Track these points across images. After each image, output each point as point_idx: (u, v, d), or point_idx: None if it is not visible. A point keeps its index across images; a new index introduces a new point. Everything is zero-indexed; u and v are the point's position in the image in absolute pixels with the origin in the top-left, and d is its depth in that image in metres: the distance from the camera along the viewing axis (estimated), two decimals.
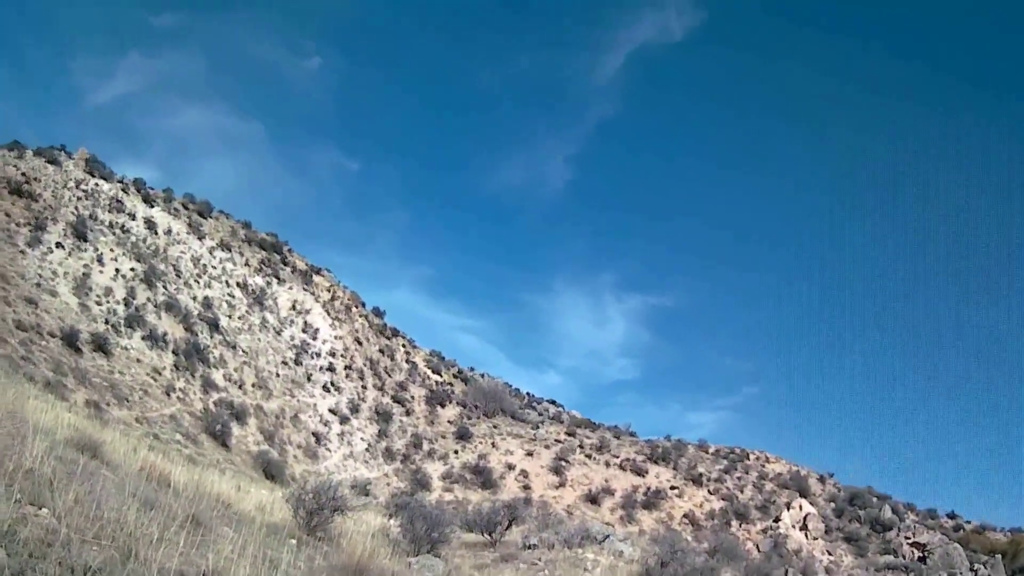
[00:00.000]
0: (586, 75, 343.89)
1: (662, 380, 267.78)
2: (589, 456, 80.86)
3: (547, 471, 75.94)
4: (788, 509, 64.78)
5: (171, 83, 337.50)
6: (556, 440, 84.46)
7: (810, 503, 68.82)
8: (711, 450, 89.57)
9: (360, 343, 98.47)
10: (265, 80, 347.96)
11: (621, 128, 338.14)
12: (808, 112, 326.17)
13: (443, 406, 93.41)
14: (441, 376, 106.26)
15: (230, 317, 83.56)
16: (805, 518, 63.54)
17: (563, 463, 77.39)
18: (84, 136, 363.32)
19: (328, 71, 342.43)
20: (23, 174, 78.02)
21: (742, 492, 76.21)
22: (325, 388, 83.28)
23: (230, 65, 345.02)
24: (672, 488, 74.98)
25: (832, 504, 76.27)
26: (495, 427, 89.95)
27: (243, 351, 77.88)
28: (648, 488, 74.51)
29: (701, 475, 78.61)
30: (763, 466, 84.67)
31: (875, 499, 77.03)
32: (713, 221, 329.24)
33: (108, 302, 68.66)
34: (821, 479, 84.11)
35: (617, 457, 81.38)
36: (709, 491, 75.52)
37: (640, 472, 77.14)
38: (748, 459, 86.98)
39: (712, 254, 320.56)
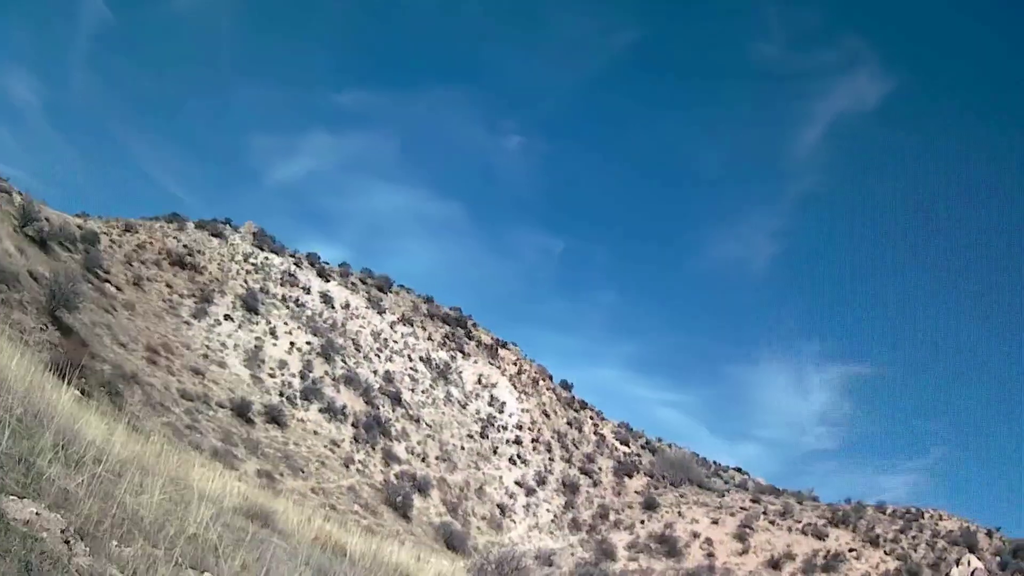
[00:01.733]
0: (788, 148, 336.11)
1: (856, 447, 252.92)
2: (772, 522, 78.34)
3: (731, 538, 73.71)
4: (957, 565, 60.48)
5: (360, 162, 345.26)
6: (741, 507, 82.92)
7: (978, 558, 64.71)
8: (888, 511, 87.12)
9: (547, 416, 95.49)
10: (462, 159, 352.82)
11: (823, 199, 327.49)
12: (1010, 178, 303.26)
13: (630, 476, 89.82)
14: (629, 447, 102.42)
15: (413, 391, 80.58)
16: (972, 573, 58.42)
17: (747, 530, 75.35)
18: (263, 214, 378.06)
19: (529, 150, 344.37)
20: (185, 246, 74.91)
21: (915, 551, 73.70)
22: (511, 461, 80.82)
23: (424, 144, 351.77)
24: (851, 551, 72.36)
25: (998, 557, 72.61)
26: (681, 496, 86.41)
27: (427, 424, 75.82)
28: (828, 552, 72.17)
29: (878, 536, 75.75)
30: (936, 524, 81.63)
31: None
32: (914, 289, 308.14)
33: (283, 375, 64.49)
34: (988, 533, 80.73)
35: (799, 522, 78.62)
36: (885, 552, 72.87)
37: (821, 536, 74.66)
38: (923, 518, 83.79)
39: (911, 321, 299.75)
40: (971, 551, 69.00)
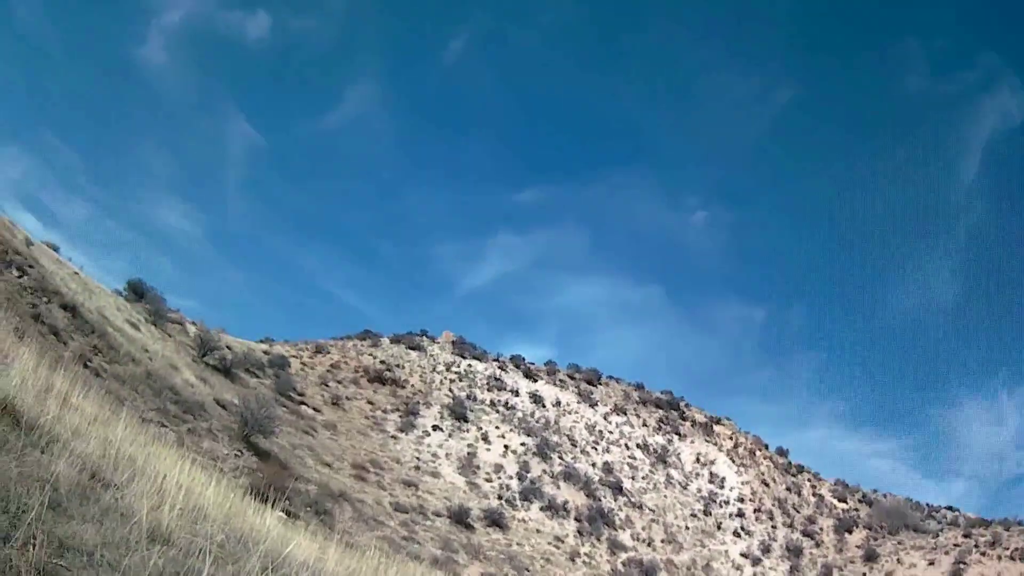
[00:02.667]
0: (949, 180, 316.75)
1: None
2: (984, 553, 74.91)
3: (946, 575, 71.40)
4: None
5: (549, 258, 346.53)
6: (954, 544, 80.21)
7: None
8: None
9: (767, 484, 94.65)
10: (650, 241, 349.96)
11: (992, 223, 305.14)
12: None
13: (850, 532, 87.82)
14: (847, 503, 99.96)
15: (633, 479, 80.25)
16: None
17: (961, 565, 72.89)
18: (457, 322, 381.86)
19: (714, 222, 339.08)
20: (382, 362, 75.40)
21: None
22: (735, 534, 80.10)
23: (610, 231, 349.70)
24: None
25: None
26: (899, 543, 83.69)
27: (649, 509, 75.31)
28: None
29: None
30: None
31: None
32: None
33: (499, 478, 63.44)
34: None
35: (1007, 549, 74.76)
36: None
37: None
38: None
39: None
40: None
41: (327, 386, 62.44)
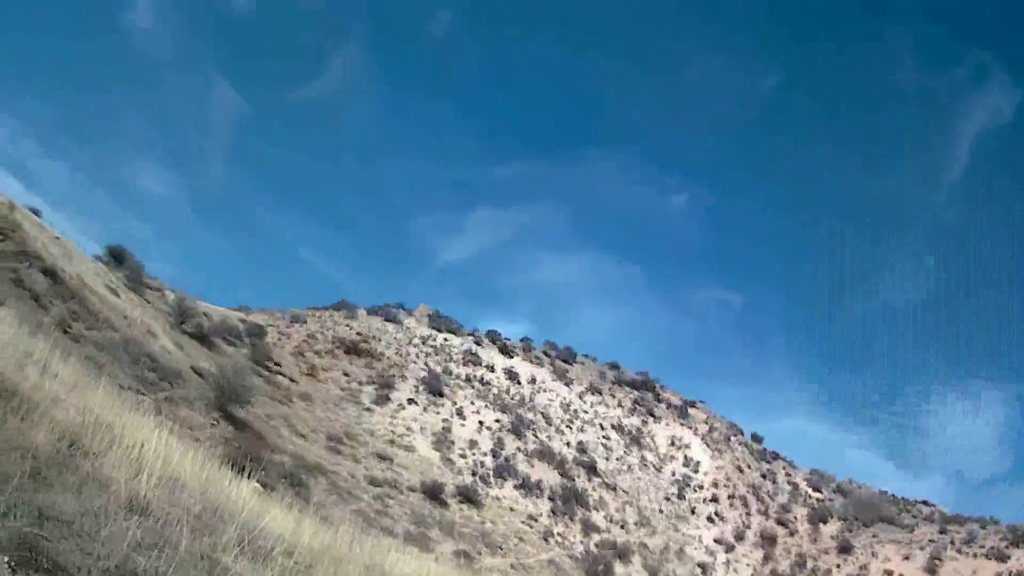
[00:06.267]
0: (936, 172, 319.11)
1: None
2: (959, 550, 76.42)
3: (921, 571, 72.37)
4: None
5: (529, 234, 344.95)
6: (929, 540, 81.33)
7: None
8: None
9: (741, 470, 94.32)
10: (630, 221, 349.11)
11: (978, 216, 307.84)
12: None
13: (824, 522, 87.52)
14: (822, 492, 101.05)
15: (607, 459, 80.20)
16: None
17: (936, 561, 73.91)
18: (434, 296, 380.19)
19: (696, 204, 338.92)
20: (359, 334, 75.02)
21: None
22: (709, 519, 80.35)
23: (589, 209, 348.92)
24: None
25: None
26: (874, 536, 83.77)
27: (623, 491, 75.25)
28: (1011, 572, 69.76)
29: None
30: None
31: None
32: None
33: (474, 454, 63.49)
34: None
35: (983, 547, 76.02)
36: None
37: (1003, 558, 71.93)
38: None
39: None
40: None
41: (303, 356, 62.29)
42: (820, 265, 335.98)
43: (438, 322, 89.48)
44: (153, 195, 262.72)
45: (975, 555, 76.02)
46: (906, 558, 76.84)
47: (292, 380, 53.14)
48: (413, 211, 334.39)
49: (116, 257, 45.33)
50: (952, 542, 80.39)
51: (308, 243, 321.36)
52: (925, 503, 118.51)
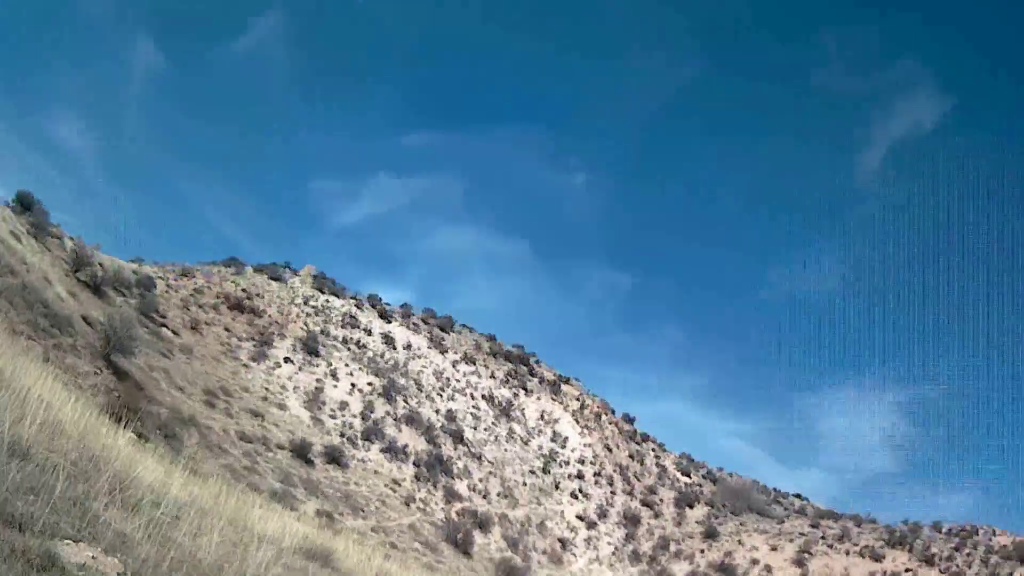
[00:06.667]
0: (849, 174, 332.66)
1: (918, 469, 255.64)
2: (831, 546, 78.47)
3: (790, 564, 74.05)
4: None
5: (425, 204, 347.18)
6: (800, 533, 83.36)
7: None
8: (944, 529, 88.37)
9: (610, 449, 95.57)
10: (528, 197, 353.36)
11: (885, 222, 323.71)
12: None
13: (691, 507, 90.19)
14: (691, 477, 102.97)
15: (475, 429, 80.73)
16: None
17: (806, 555, 75.75)
18: (327, 258, 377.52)
19: (595, 186, 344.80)
20: (244, 290, 75.29)
21: (970, 568, 73.54)
22: (573, 495, 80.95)
23: (489, 184, 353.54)
24: (907, 571, 72.26)
25: None
26: (742, 524, 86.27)
27: (488, 461, 75.69)
28: (885, 572, 72.28)
29: (934, 555, 75.44)
30: (990, 540, 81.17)
31: None
32: (976, 310, 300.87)
33: (344, 416, 64.50)
34: None
35: (857, 545, 78.34)
36: (940, 570, 72.94)
37: (878, 558, 74.36)
38: (976, 535, 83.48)
39: (975, 343, 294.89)
40: None
41: (188, 310, 62.56)
42: (715, 255, 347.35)
43: (322, 283, 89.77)
44: (67, 146, 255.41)
45: (848, 552, 77.52)
46: (774, 549, 78.23)
47: (175, 333, 53.92)
48: (315, 174, 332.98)
49: (24, 203, 45.49)
50: (824, 537, 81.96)
51: (210, 201, 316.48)
52: (798, 496, 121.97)
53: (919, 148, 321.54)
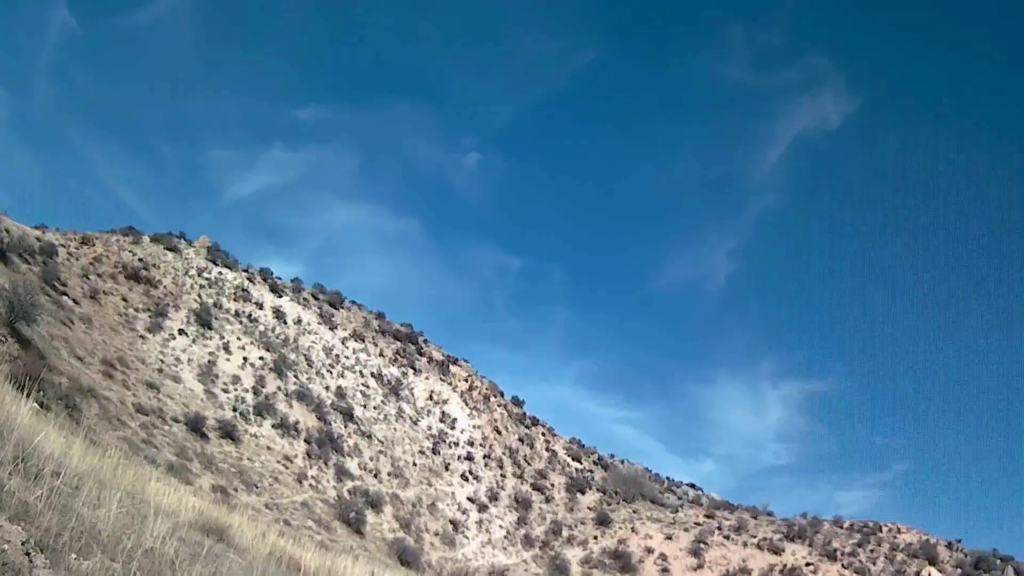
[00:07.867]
0: (748, 168, 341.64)
1: (814, 463, 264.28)
2: (727, 537, 79.34)
3: (686, 553, 74.33)
4: None
5: (318, 178, 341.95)
6: (695, 523, 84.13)
7: (939, 570, 69.62)
8: (846, 525, 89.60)
9: (499, 432, 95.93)
10: (420, 176, 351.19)
11: (782, 218, 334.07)
12: (974, 202, 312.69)
13: (583, 493, 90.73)
14: (581, 463, 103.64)
15: (365, 407, 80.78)
16: None
17: (702, 545, 76.10)
18: (221, 228, 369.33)
19: (487, 167, 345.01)
20: (140, 260, 74.60)
21: (875, 564, 75.00)
22: (463, 477, 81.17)
23: (382, 160, 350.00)
24: (807, 565, 73.02)
25: (959, 570, 75.39)
26: (635, 512, 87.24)
27: (379, 440, 75.53)
28: (784, 566, 72.91)
29: (835, 550, 76.59)
30: (895, 537, 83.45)
31: (998, 561, 77.26)
32: (871, 306, 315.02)
33: (236, 390, 64.91)
34: (949, 545, 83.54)
35: (755, 537, 79.34)
36: (843, 566, 73.66)
37: (777, 551, 75.27)
38: (880, 531, 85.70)
39: (868, 338, 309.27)
40: (932, 563, 74.43)
41: (88, 279, 62.06)
42: (608, 241, 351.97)
43: (216, 255, 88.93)
44: None
45: (746, 544, 78.16)
46: (669, 538, 78.22)
47: (75, 302, 53.78)
48: (211, 144, 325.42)
49: None
50: (720, 528, 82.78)
51: (114, 167, 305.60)
52: (692, 486, 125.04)
53: (821, 146, 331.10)
